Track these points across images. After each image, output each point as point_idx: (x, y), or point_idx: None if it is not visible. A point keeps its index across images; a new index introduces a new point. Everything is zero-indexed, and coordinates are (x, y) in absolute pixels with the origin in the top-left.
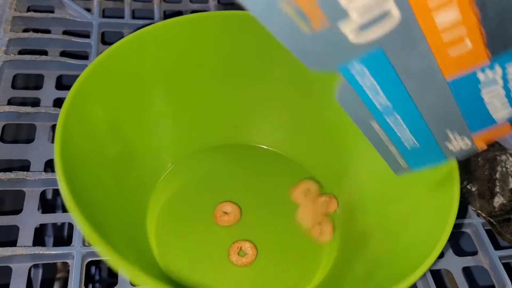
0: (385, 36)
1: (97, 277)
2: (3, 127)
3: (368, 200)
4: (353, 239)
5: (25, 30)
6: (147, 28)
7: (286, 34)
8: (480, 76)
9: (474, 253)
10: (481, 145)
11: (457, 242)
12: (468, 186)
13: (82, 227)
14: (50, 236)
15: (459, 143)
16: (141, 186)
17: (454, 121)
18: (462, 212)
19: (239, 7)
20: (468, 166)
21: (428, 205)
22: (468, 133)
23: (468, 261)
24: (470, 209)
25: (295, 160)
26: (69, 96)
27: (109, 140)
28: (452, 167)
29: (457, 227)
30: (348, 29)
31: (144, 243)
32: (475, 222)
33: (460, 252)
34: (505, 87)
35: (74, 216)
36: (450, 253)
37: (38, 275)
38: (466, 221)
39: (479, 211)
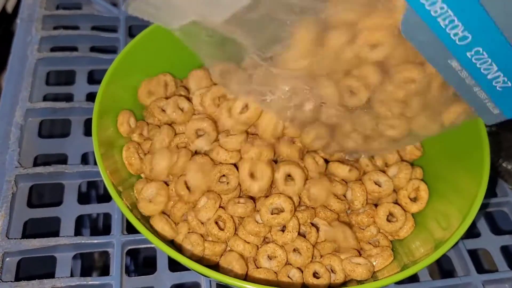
0: None
1: (132, 268)
2: (40, 123)
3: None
4: None
5: (55, 28)
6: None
7: None
8: None
9: None
10: None
11: (495, 221)
12: (504, 164)
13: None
14: (87, 228)
15: None
16: None
17: None
18: (499, 191)
19: None
20: (503, 144)
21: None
22: None
23: (506, 239)
24: (507, 188)
25: None
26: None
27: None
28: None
29: (494, 206)
30: None
31: None
32: None
33: (497, 231)
34: None
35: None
36: (487, 232)
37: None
38: (503, 199)
39: None
